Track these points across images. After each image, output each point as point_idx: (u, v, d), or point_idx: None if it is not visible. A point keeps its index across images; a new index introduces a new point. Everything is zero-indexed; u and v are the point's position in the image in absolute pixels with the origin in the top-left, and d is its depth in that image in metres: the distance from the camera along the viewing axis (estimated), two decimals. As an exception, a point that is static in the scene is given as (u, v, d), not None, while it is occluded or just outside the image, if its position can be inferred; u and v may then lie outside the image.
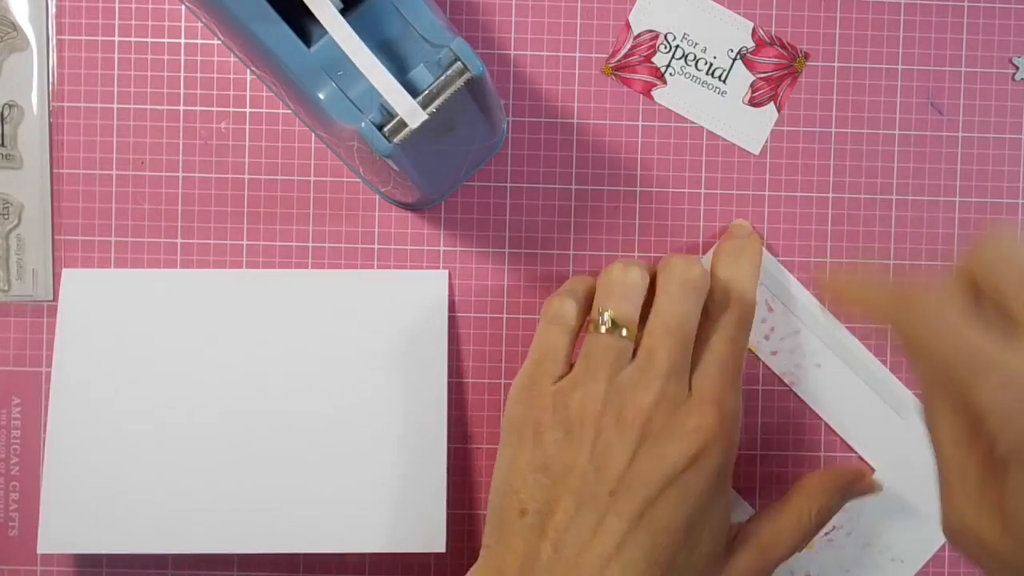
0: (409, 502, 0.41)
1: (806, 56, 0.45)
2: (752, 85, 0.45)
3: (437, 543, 0.41)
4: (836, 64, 0.45)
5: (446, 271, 0.44)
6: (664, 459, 0.35)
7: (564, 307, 0.38)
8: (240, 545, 0.41)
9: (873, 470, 0.43)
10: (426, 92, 0.34)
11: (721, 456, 0.36)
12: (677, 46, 0.45)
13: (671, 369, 0.36)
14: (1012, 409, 0.27)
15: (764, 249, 0.44)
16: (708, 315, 0.39)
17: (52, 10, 0.44)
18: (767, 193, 0.45)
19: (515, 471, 0.37)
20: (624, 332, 0.37)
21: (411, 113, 0.33)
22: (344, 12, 0.35)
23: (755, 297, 0.41)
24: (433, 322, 0.43)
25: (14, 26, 0.43)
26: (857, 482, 0.42)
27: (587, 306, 0.39)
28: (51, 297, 0.44)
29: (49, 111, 0.44)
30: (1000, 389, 0.27)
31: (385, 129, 0.34)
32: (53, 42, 0.44)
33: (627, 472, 0.35)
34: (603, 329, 0.37)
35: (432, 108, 0.34)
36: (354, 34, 0.33)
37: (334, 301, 0.43)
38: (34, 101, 0.44)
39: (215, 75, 0.44)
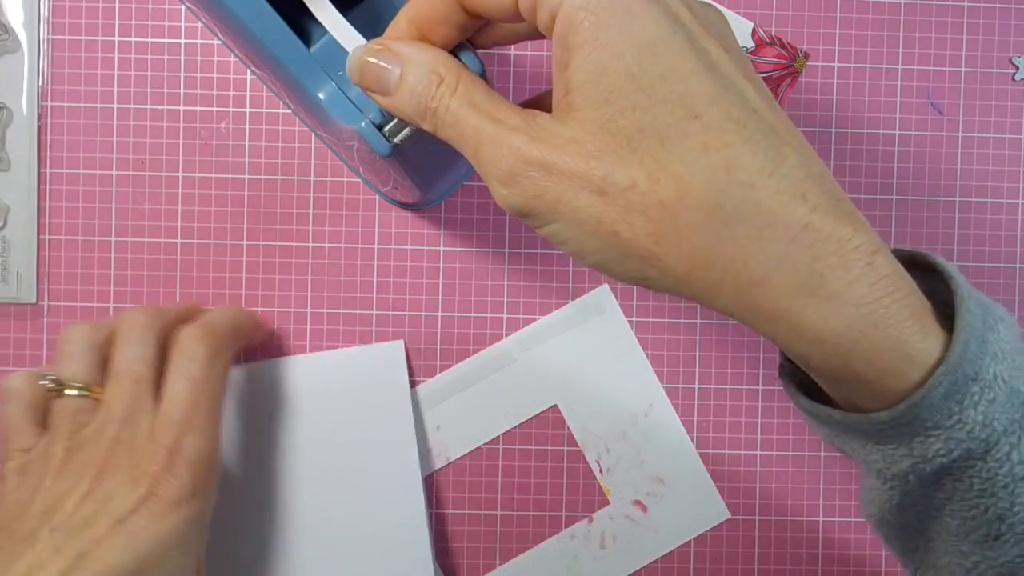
0: None
1: (806, 56, 0.45)
2: (752, 85, 0.45)
3: None
4: (836, 64, 0.45)
5: (400, 342, 0.44)
6: (112, 500, 0.35)
7: (11, 384, 0.38)
8: None
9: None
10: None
11: (173, 498, 0.36)
12: (677, 46, 0.45)
13: (125, 414, 0.37)
14: (590, 8, 0.26)
15: None
16: (171, 353, 0.39)
17: (44, 13, 0.44)
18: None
19: None
20: (78, 390, 0.37)
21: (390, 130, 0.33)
22: (344, 11, 0.35)
23: (227, 328, 0.40)
24: (395, 394, 0.43)
25: (5, 28, 0.43)
26: (251, 328, 0.42)
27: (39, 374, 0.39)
28: (34, 299, 0.44)
29: (38, 113, 0.44)
30: None
31: (385, 129, 0.34)
32: (45, 45, 0.44)
33: (74, 513, 0.35)
34: (52, 392, 0.38)
35: None
36: (355, 32, 0.33)
37: (292, 387, 0.43)
38: (24, 103, 0.44)
39: (215, 75, 0.44)
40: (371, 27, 0.35)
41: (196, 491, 0.36)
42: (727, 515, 0.45)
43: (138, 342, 0.38)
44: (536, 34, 0.30)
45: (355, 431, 0.43)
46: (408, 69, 0.29)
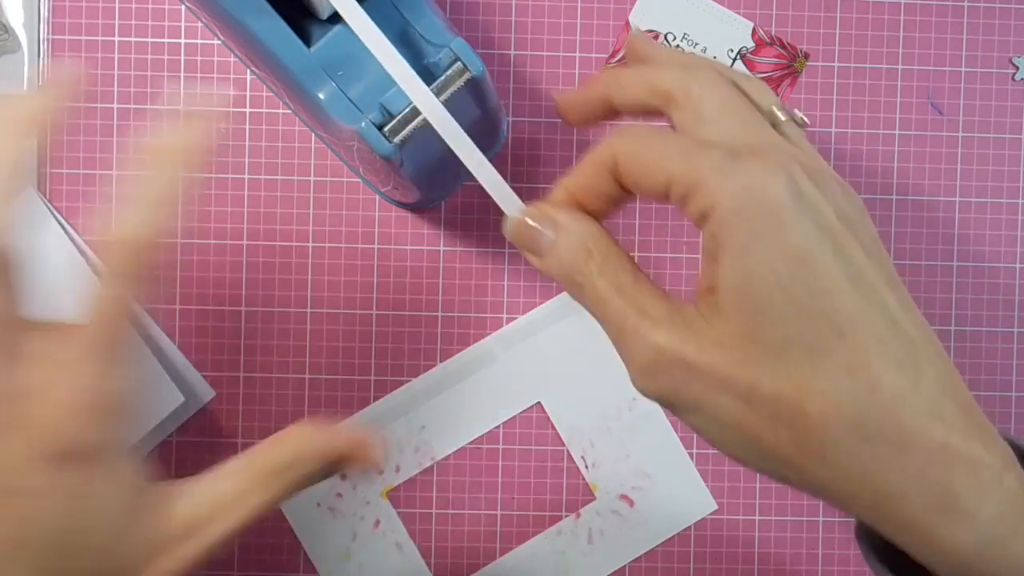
0: None
1: (806, 56, 0.45)
2: (752, 85, 0.45)
3: None
4: (836, 64, 0.45)
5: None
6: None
7: None
8: None
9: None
10: (426, 92, 0.34)
11: (73, 447, 0.29)
12: (677, 46, 0.45)
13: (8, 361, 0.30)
14: (737, 169, 0.27)
15: None
16: (103, 266, 0.32)
17: (44, 13, 0.44)
18: (767, 193, 0.45)
19: None
20: None
21: (428, 103, 0.33)
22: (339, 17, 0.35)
23: (163, 222, 0.31)
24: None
25: (5, 28, 0.43)
26: (352, 459, 0.34)
27: None
28: (50, 297, 0.44)
29: (47, 112, 0.44)
30: (728, 156, 0.27)
31: (385, 129, 0.34)
32: (45, 45, 0.44)
33: None
34: None
35: (444, 97, 0.34)
36: (371, 22, 0.33)
37: None
38: (31, 102, 0.44)
39: (215, 75, 0.44)
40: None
41: (109, 434, 0.31)
42: (714, 506, 0.45)
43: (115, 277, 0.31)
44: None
45: None
46: (561, 238, 0.31)
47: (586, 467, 0.45)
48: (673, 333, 0.28)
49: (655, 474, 0.45)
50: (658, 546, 0.45)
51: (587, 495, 0.45)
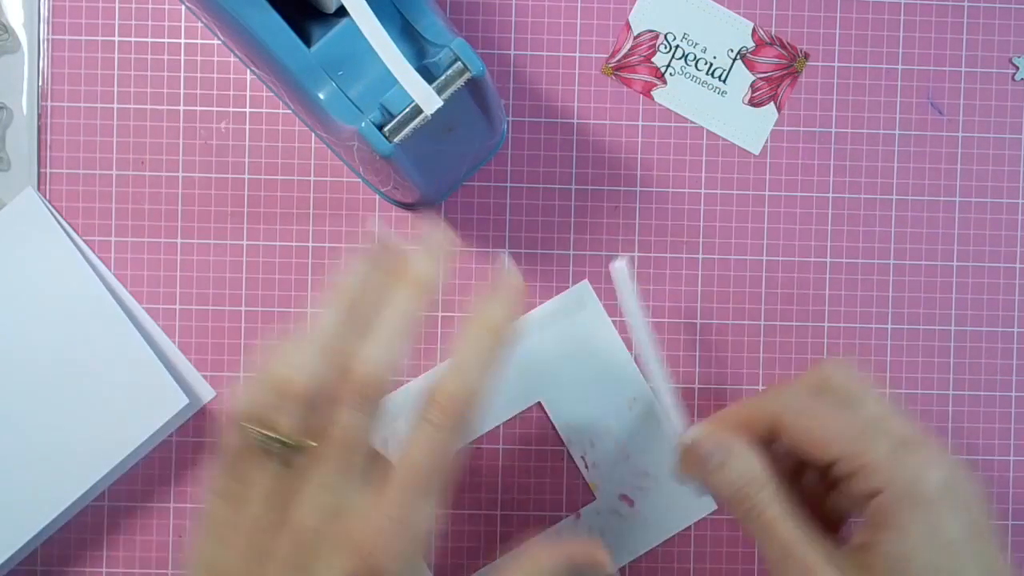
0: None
1: (806, 56, 0.45)
2: (752, 85, 0.45)
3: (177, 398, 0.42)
4: (836, 64, 0.45)
5: (29, 189, 0.43)
6: (320, 574, 0.33)
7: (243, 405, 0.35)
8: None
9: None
10: (426, 92, 0.34)
11: (389, 571, 0.33)
12: (677, 46, 0.45)
13: (338, 481, 0.34)
14: (905, 463, 0.34)
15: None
16: (421, 411, 0.35)
17: (44, 13, 0.44)
18: (767, 193, 0.45)
19: (192, 563, 0.35)
20: (295, 446, 0.34)
21: (427, 99, 0.33)
22: (344, 12, 0.35)
23: (483, 389, 0.35)
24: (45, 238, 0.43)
25: (6, 28, 0.43)
26: (590, 563, 0.39)
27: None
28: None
29: (38, 113, 0.44)
30: (895, 448, 0.34)
31: (385, 129, 0.34)
32: (45, 45, 0.44)
33: None
34: (269, 447, 0.34)
35: (445, 96, 0.34)
36: (374, 17, 0.33)
37: None
38: (24, 103, 0.44)
39: (215, 75, 0.44)
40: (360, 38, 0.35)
41: (413, 564, 0.34)
42: (714, 506, 0.45)
43: (360, 409, 0.34)
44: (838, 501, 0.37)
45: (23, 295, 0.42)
46: (732, 462, 0.36)
47: (586, 467, 0.45)
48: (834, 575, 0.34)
49: (655, 474, 0.45)
50: (658, 546, 0.45)
51: (587, 495, 0.45)
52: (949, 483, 0.34)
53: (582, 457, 0.45)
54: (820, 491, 0.38)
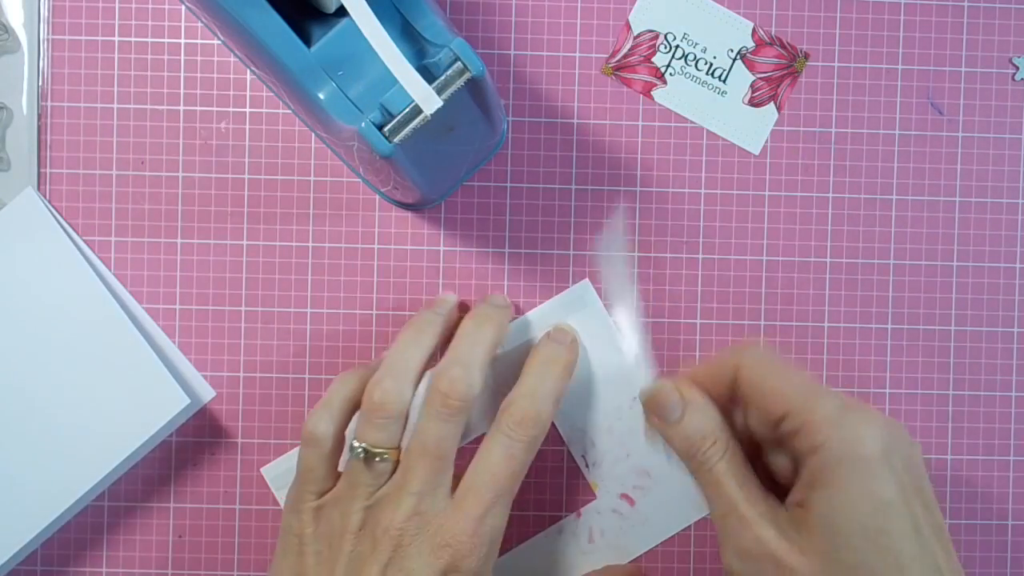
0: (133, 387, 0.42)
1: (806, 56, 0.45)
2: (752, 85, 0.45)
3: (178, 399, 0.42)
4: (836, 64, 0.45)
5: (30, 189, 0.43)
6: (411, 573, 0.36)
7: (318, 431, 0.39)
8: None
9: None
10: (426, 92, 0.34)
11: (472, 572, 0.37)
12: (677, 46, 0.45)
13: (424, 487, 0.37)
14: (845, 422, 0.34)
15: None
16: (497, 425, 0.39)
17: (44, 13, 0.44)
18: (767, 193, 0.45)
19: None
20: (384, 456, 0.38)
21: (426, 99, 0.33)
22: (344, 12, 0.35)
23: (552, 414, 0.40)
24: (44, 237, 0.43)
25: (6, 28, 0.43)
26: None
27: (346, 417, 0.39)
28: (51, 297, 0.44)
29: (38, 113, 0.44)
30: (838, 409, 0.35)
31: (385, 129, 0.34)
32: (45, 45, 0.44)
33: None
34: (359, 458, 0.38)
35: (445, 96, 0.34)
36: (374, 18, 0.33)
37: None
38: (24, 103, 0.44)
39: (215, 75, 0.44)
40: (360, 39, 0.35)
41: (489, 560, 0.38)
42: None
43: (450, 421, 0.38)
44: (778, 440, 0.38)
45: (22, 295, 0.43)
46: (688, 415, 0.38)
47: (586, 466, 0.45)
48: (771, 531, 0.35)
49: (656, 473, 0.45)
50: (658, 546, 0.45)
51: (587, 494, 0.45)
52: (887, 444, 0.34)
53: (583, 456, 0.45)
54: (777, 462, 0.39)
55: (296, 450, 0.44)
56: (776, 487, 0.38)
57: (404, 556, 0.37)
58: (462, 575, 0.37)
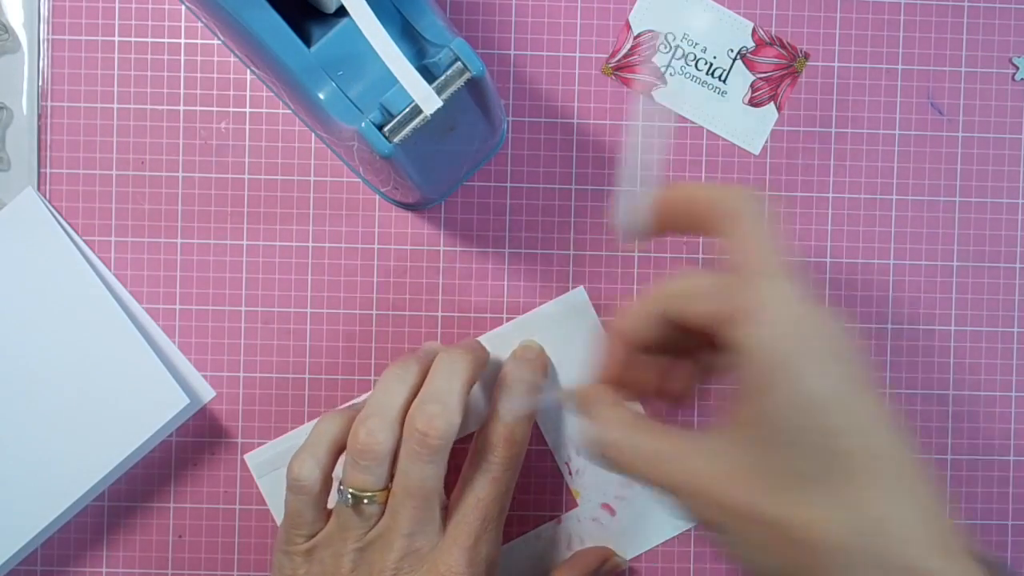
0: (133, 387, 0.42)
1: (806, 56, 0.45)
2: (752, 85, 0.45)
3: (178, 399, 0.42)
4: (836, 64, 0.45)
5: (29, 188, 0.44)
6: None
7: (302, 475, 0.38)
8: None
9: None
10: (426, 92, 0.34)
11: None
12: (677, 46, 0.45)
13: (414, 527, 0.37)
14: (766, 337, 0.29)
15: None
16: (478, 452, 0.40)
17: (44, 13, 0.44)
18: (767, 193, 0.45)
19: None
20: (372, 499, 0.37)
21: (426, 99, 0.33)
22: (344, 12, 0.35)
23: (528, 432, 0.41)
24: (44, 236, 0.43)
25: (5, 28, 0.43)
26: (603, 563, 0.44)
27: (332, 459, 0.39)
28: (51, 297, 0.44)
29: (38, 113, 0.44)
30: (757, 282, 0.30)
31: (385, 129, 0.34)
32: (45, 45, 0.44)
33: None
34: (347, 504, 0.38)
35: (445, 96, 0.34)
36: (374, 17, 0.33)
37: None
38: (24, 103, 0.44)
39: (215, 75, 0.44)
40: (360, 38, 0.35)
41: None
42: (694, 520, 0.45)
43: (430, 462, 0.37)
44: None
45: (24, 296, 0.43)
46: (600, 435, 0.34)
47: (570, 473, 0.45)
48: (689, 463, 0.31)
49: (638, 485, 0.44)
50: (658, 546, 0.45)
51: (569, 501, 0.45)
52: (813, 331, 0.29)
53: (566, 463, 0.45)
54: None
55: (283, 437, 0.44)
56: None
57: None
58: None
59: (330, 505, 0.39)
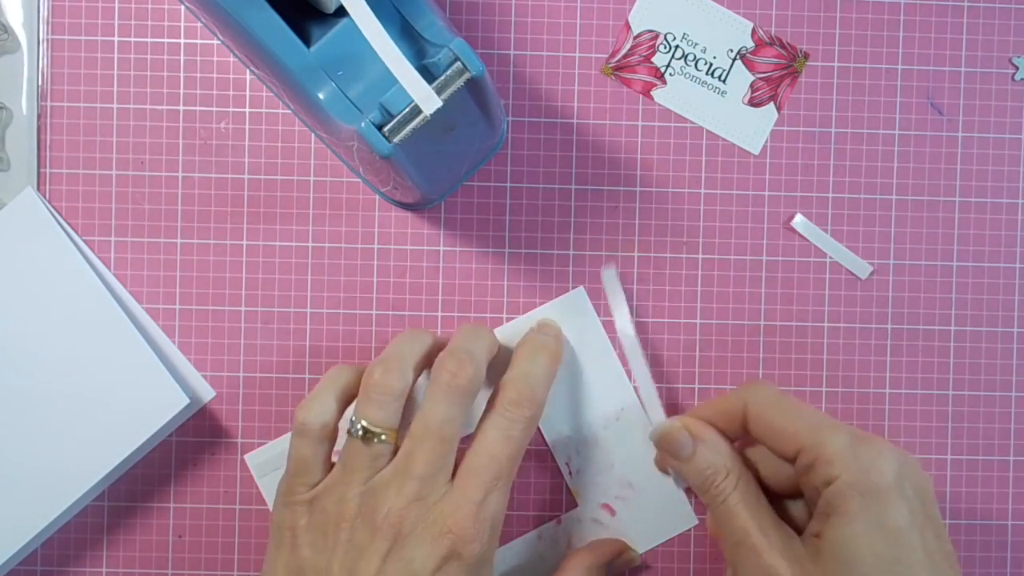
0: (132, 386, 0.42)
1: (806, 56, 0.45)
2: (752, 85, 0.45)
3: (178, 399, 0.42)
4: (836, 64, 0.45)
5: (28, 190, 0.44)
6: (412, 562, 0.36)
7: (310, 419, 0.38)
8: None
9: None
10: (426, 92, 0.34)
11: (475, 557, 0.36)
12: (677, 46, 0.45)
13: (428, 470, 0.36)
14: (858, 454, 0.35)
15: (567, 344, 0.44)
16: (493, 407, 0.39)
17: (44, 13, 0.44)
18: (767, 193, 0.45)
19: (272, 573, 0.38)
20: (382, 437, 0.37)
21: (426, 99, 0.33)
22: (344, 12, 0.35)
23: (545, 398, 0.40)
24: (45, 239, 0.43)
25: (5, 28, 0.43)
26: (618, 555, 0.44)
27: (340, 408, 0.39)
28: (51, 297, 0.44)
29: (38, 113, 0.44)
30: (850, 441, 0.36)
31: (385, 129, 0.34)
32: (45, 45, 0.44)
33: (377, 575, 0.36)
34: (357, 437, 0.37)
35: (444, 96, 0.34)
36: (374, 17, 0.33)
37: None
38: (24, 103, 0.44)
39: (215, 75, 0.44)
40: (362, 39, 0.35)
41: (492, 547, 0.37)
42: (695, 521, 0.45)
43: (455, 404, 0.37)
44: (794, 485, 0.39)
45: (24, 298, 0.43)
46: (700, 450, 0.39)
47: (570, 473, 0.45)
48: (783, 561, 0.36)
49: (638, 485, 0.44)
50: (658, 546, 0.45)
51: (569, 501, 0.45)
52: (900, 473, 0.35)
53: (566, 463, 0.45)
54: (793, 510, 0.40)
55: (283, 437, 0.44)
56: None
57: (404, 545, 0.36)
58: (464, 562, 0.36)
59: (334, 459, 0.39)
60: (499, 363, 0.41)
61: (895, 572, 0.34)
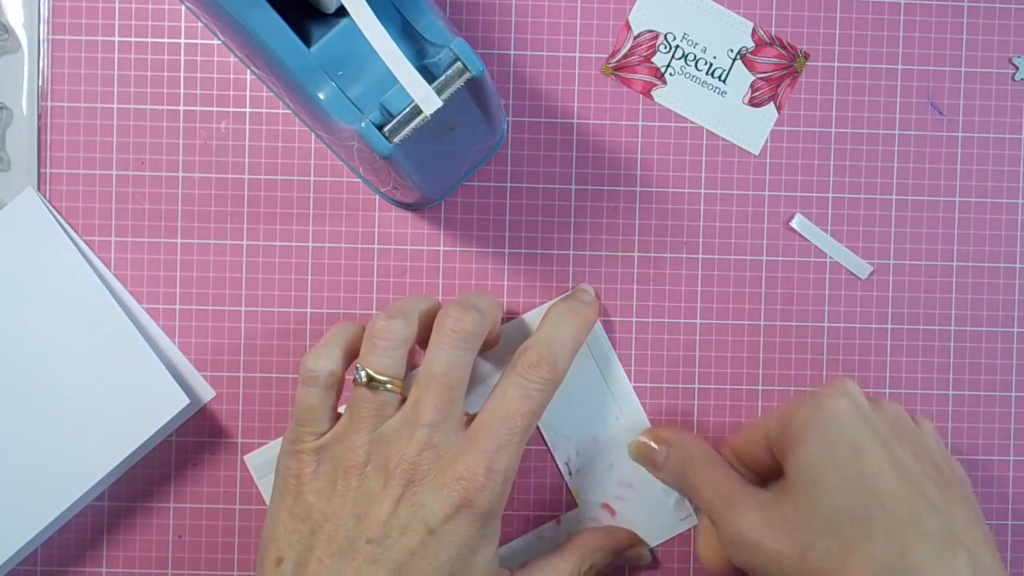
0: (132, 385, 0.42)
1: (806, 56, 0.45)
2: (752, 85, 0.45)
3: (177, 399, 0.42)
4: (836, 64, 0.45)
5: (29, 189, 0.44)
6: (424, 507, 0.35)
7: (316, 367, 0.37)
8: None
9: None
10: (426, 92, 0.34)
11: (486, 507, 0.36)
12: (677, 46, 0.45)
13: (436, 418, 0.36)
14: (813, 398, 0.37)
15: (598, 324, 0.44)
16: (515, 367, 0.38)
17: (44, 13, 0.44)
18: (767, 193, 0.45)
19: (276, 520, 0.37)
20: (387, 385, 0.37)
21: (426, 99, 0.33)
22: (344, 12, 0.35)
23: (568, 364, 0.39)
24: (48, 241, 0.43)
25: (5, 28, 0.43)
26: (631, 547, 0.44)
27: (346, 359, 0.38)
28: (51, 297, 0.44)
29: (38, 113, 0.44)
30: (809, 408, 0.37)
31: (385, 129, 0.34)
32: (45, 45, 0.44)
33: (388, 520, 0.35)
34: (363, 384, 0.37)
35: (445, 96, 0.34)
36: (374, 17, 0.33)
37: None
38: (24, 103, 0.44)
39: (215, 75, 0.44)
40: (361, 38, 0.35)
41: (503, 499, 0.37)
42: (695, 521, 0.45)
43: (460, 348, 0.37)
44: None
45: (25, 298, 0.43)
46: (671, 452, 0.42)
47: (569, 473, 0.45)
48: (755, 515, 0.37)
49: (638, 485, 0.44)
50: (659, 546, 0.45)
51: (569, 501, 0.45)
52: (852, 405, 0.37)
53: (566, 463, 0.45)
54: None
55: (282, 437, 0.44)
56: None
57: (417, 490, 0.35)
58: (475, 510, 0.35)
59: (341, 409, 0.39)
60: (519, 338, 0.41)
61: (860, 485, 0.35)
